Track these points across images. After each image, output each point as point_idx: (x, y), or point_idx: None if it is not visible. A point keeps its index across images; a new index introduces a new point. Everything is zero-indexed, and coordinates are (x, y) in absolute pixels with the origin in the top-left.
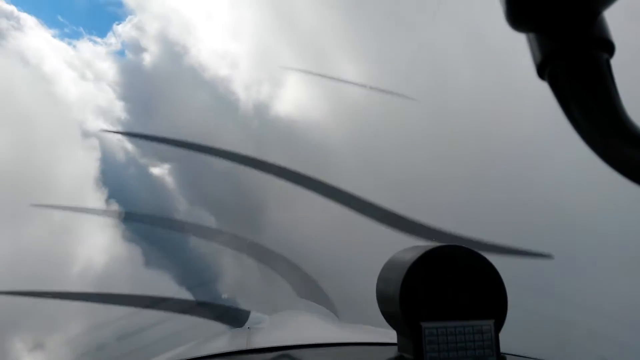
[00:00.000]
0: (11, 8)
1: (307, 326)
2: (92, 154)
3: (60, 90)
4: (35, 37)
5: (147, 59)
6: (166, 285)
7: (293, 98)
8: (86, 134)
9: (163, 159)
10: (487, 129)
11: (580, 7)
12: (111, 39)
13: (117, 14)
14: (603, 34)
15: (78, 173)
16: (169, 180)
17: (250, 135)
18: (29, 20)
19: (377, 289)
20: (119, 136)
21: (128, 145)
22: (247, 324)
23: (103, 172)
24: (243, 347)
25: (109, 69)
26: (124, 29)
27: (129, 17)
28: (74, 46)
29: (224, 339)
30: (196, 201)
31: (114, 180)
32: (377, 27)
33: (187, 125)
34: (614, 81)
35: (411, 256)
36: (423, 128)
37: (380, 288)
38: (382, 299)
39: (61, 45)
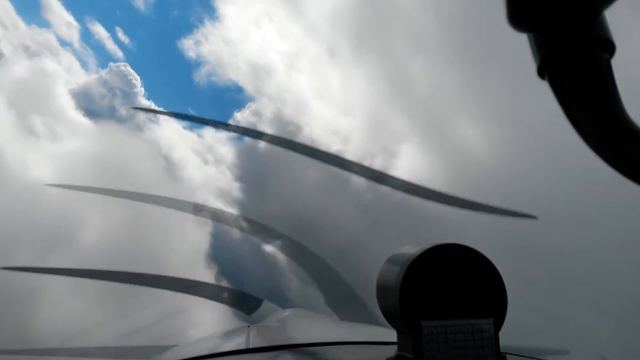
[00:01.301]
0: (149, 103)
1: (306, 325)
2: (205, 229)
3: (185, 174)
4: (168, 129)
5: (263, 141)
6: None
7: (408, 168)
8: (200, 212)
9: (276, 237)
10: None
11: (580, 6)
12: (231, 124)
13: (237, 100)
14: (604, 33)
15: (190, 249)
16: (281, 258)
17: (364, 210)
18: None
19: (376, 287)
20: (235, 213)
21: (242, 222)
22: (247, 323)
23: (214, 248)
24: (243, 346)
25: (228, 152)
26: (243, 116)
27: (248, 103)
28: (199, 134)
29: (224, 337)
30: (308, 280)
31: (226, 257)
32: (506, 84)
33: (300, 202)
34: (614, 81)
35: (411, 254)
36: (562, 200)
37: (379, 286)
38: (382, 298)
39: (189, 135)
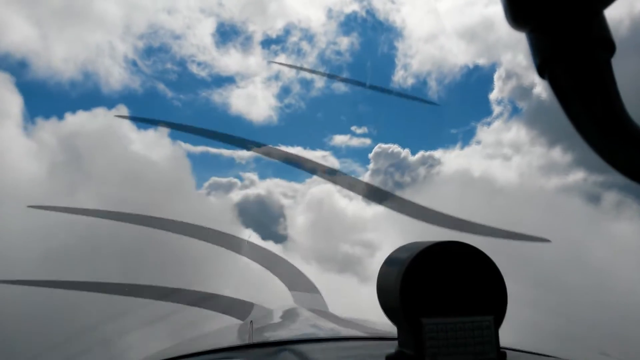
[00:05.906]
0: (421, 153)
1: (308, 320)
2: None
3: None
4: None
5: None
6: None
7: None
8: None
9: None
10: None
11: (580, 5)
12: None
13: (485, 78)
14: (604, 33)
15: None
16: None
17: None
18: None
19: (377, 284)
20: None
21: None
22: (250, 318)
23: None
24: (245, 341)
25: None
26: (498, 90)
27: (494, 73)
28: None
29: (226, 332)
30: None
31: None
32: None
33: None
34: (614, 81)
35: (411, 252)
36: None
37: (380, 283)
38: (383, 295)
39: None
